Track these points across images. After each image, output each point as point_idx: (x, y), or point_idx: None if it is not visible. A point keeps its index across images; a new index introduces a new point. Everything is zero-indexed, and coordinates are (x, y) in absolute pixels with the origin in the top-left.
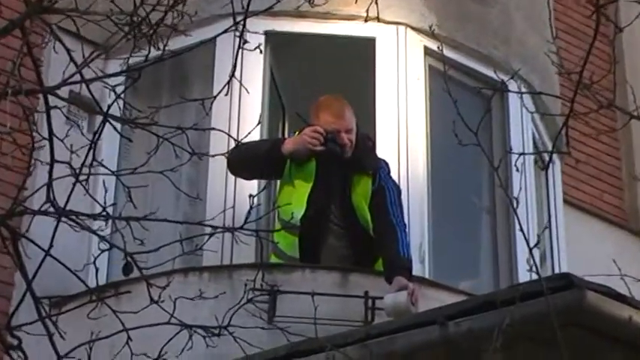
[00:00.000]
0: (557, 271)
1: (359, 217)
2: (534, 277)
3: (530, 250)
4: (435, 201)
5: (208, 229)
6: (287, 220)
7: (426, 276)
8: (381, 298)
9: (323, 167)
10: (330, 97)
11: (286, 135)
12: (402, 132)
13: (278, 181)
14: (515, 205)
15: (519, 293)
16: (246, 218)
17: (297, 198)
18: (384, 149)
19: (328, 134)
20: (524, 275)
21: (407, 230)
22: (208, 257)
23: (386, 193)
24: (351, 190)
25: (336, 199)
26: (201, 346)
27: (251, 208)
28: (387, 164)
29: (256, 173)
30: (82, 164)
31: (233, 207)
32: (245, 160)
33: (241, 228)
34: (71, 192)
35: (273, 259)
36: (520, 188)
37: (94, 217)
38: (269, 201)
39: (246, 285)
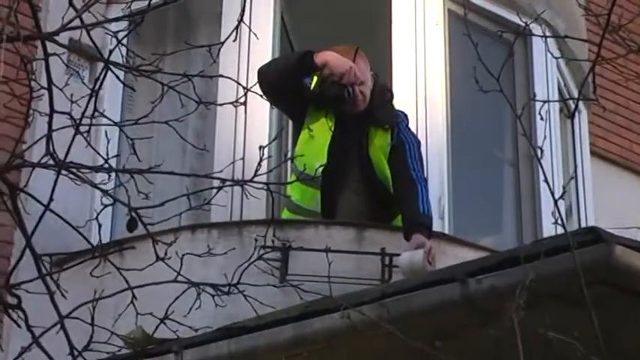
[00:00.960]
0: (583, 225)
1: (377, 172)
2: (559, 231)
3: (556, 202)
4: (454, 153)
5: (216, 183)
6: (307, 173)
7: (446, 232)
8: (398, 255)
9: (340, 119)
10: (346, 47)
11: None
12: (420, 81)
13: (290, 135)
14: (539, 154)
15: (544, 248)
16: (256, 170)
17: (317, 149)
18: (401, 99)
19: (353, 85)
20: (549, 230)
21: (427, 186)
22: (217, 213)
23: (405, 147)
24: (368, 144)
25: (354, 152)
26: (210, 306)
27: (261, 159)
28: (405, 116)
29: (283, 87)
30: (83, 114)
31: (242, 159)
32: (275, 66)
33: (251, 181)
34: (71, 143)
35: (287, 215)
36: (545, 137)
37: (95, 169)
38: (280, 153)
39: (256, 240)
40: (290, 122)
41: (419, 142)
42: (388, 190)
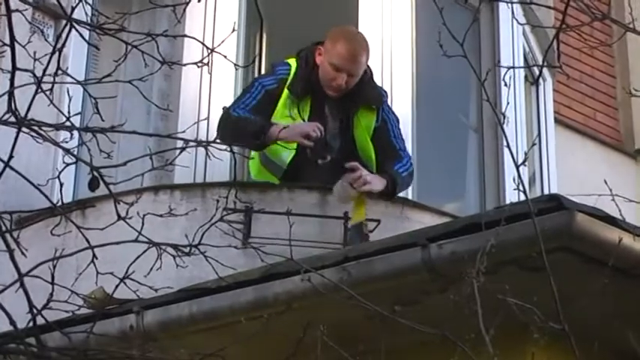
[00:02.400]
0: (546, 193)
1: (360, 152)
2: (522, 198)
3: (518, 167)
4: (419, 119)
5: (180, 144)
6: (274, 160)
7: (409, 197)
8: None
9: (318, 104)
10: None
11: (264, 44)
12: (386, 46)
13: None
14: (502, 121)
15: (505, 215)
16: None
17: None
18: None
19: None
20: (511, 197)
21: (411, 162)
22: (180, 175)
23: (389, 126)
24: (354, 125)
25: (336, 132)
26: (172, 269)
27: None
28: (385, 93)
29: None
30: (44, 70)
31: (207, 119)
32: (231, 135)
33: (214, 142)
34: (32, 100)
35: (258, 171)
36: (508, 103)
37: (57, 127)
38: None
39: (218, 201)
40: None
41: (398, 120)
42: (371, 170)
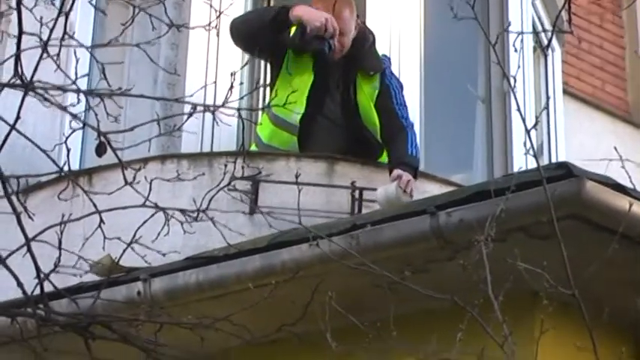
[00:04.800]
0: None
1: (364, 119)
2: (531, 165)
3: (528, 132)
4: (427, 88)
5: (187, 110)
6: (283, 118)
7: (420, 169)
8: (369, 189)
9: (322, 64)
10: None
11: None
12: (395, 14)
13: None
14: (512, 83)
15: (514, 182)
16: (227, 97)
17: (297, 95)
18: (374, 30)
19: (332, 37)
20: (519, 167)
21: (414, 131)
22: (188, 142)
23: (391, 92)
24: (356, 90)
25: (337, 98)
26: (179, 236)
27: (232, 86)
28: (388, 59)
29: (256, 42)
30: (50, 33)
31: (215, 82)
32: (249, 23)
33: (222, 106)
34: (38, 63)
35: (271, 133)
36: (518, 67)
37: (63, 89)
38: (252, 79)
39: (225, 166)
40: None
41: (402, 87)
42: (375, 137)
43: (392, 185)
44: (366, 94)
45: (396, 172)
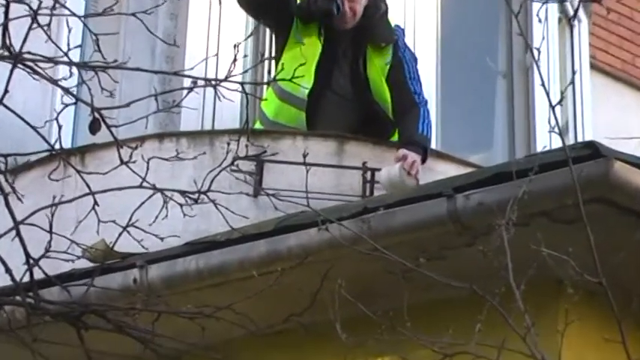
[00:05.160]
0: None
1: (375, 95)
2: (556, 144)
3: (553, 107)
4: (444, 63)
5: (187, 85)
6: (290, 92)
7: (433, 147)
8: (380, 169)
9: (331, 35)
10: None
11: None
12: None
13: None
14: (536, 56)
15: (538, 162)
16: (230, 70)
17: (304, 67)
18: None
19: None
20: (543, 146)
21: (428, 108)
22: (187, 119)
23: (404, 66)
24: (367, 63)
25: (346, 72)
26: (178, 220)
27: (235, 58)
28: (402, 31)
29: (264, 8)
30: (41, 1)
31: (216, 55)
32: None
33: (224, 80)
34: (27, 33)
35: (277, 109)
36: (542, 38)
37: (54, 61)
38: (257, 52)
39: (228, 144)
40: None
41: (416, 60)
42: (386, 114)
43: (395, 167)
44: (377, 67)
45: (401, 151)
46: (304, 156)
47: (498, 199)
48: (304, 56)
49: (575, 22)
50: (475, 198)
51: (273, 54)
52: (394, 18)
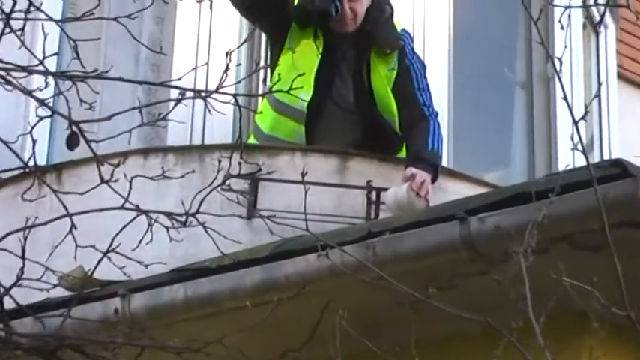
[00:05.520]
0: (607, 158)
1: (380, 107)
2: (579, 163)
3: (576, 123)
4: (457, 72)
5: (174, 95)
6: (287, 104)
7: (445, 165)
8: (387, 189)
9: (331, 41)
10: None
11: None
12: None
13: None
14: (557, 67)
15: (559, 183)
16: (222, 80)
17: (302, 77)
18: (395, 4)
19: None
20: (566, 164)
21: (438, 121)
22: (175, 133)
23: (412, 75)
24: (371, 73)
25: (349, 81)
26: (164, 244)
27: (227, 67)
28: (409, 36)
29: (259, 6)
30: (14, 4)
31: (207, 64)
32: None
33: (215, 92)
34: None
35: (274, 122)
36: (565, 47)
37: (29, 70)
38: (252, 60)
39: (219, 162)
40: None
41: (425, 68)
42: (393, 128)
43: (403, 187)
44: (382, 76)
45: (409, 170)
46: (303, 174)
47: (516, 223)
48: (302, 64)
49: (601, 29)
50: (491, 221)
51: (269, 62)
52: (401, 22)
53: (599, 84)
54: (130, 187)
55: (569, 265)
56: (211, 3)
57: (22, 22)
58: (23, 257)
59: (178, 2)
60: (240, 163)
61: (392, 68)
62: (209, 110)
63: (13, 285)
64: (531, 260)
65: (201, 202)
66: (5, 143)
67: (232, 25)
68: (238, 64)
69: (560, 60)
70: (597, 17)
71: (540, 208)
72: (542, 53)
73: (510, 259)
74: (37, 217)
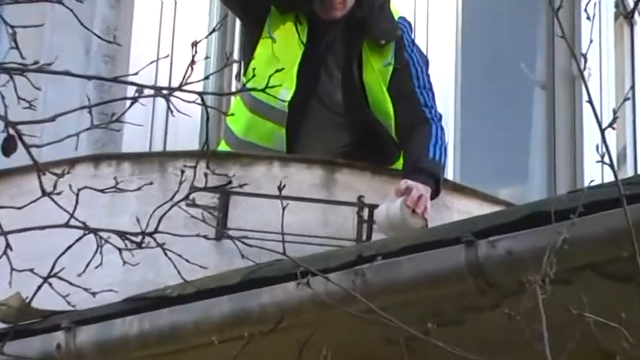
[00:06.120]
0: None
1: (373, 106)
2: (607, 178)
3: (603, 131)
4: (465, 69)
5: (131, 93)
6: (269, 104)
7: (449, 178)
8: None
9: (316, 29)
10: None
11: None
12: None
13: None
14: (582, 65)
15: (583, 201)
16: (187, 75)
17: (283, 72)
18: None
19: None
20: (591, 179)
21: (442, 125)
22: (131, 138)
23: (412, 71)
24: (363, 67)
25: (337, 76)
26: (116, 268)
27: (194, 60)
28: (409, 25)
29: None
30: None
31: (170, 55)
32: None
33: (179, 89)
34: None
35: (249, 123)
36: (591, 41)
37: None
38: (222, 52)
39: (182, 172)
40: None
41: (427, 63)
42: (388, 132)
43: (396, 203)
44: (376, 71)
45: (405, 183)
46: (280, 188)
47: (532, 248)
48: (283, 56)
49: (636, 18)
50: (502, 245)
51: (243, 54)
52: (399, 8)
53: (633, 84)
54: (77, 201)
55: (594, 299)
56: None
57: None
58: None
59: None
60: (207, 174)
61: (388, 63)
62: (172, 111)
63: None
64: (549, 292)
65: (161, 218)
66: None
67: (200, 11)
68: (207, 57)
69: (584, 56)
70: (631, 5)
71: (561, 231)
72: (565, 48)
73: (525, 291)
74: None
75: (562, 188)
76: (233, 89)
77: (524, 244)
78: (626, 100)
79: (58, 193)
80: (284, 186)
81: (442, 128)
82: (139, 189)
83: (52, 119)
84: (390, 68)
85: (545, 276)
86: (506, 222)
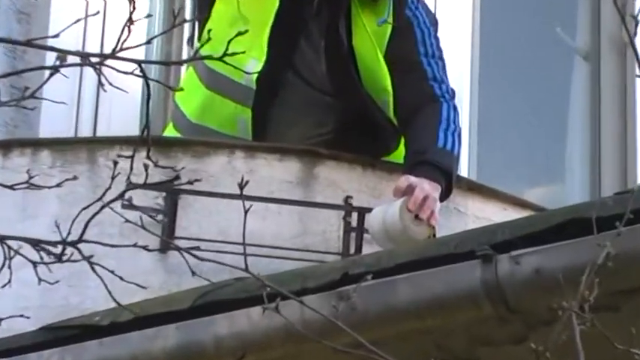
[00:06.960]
0: None
1: (364, 78)
2: None
3: None
4: (485, 33)
5: (51, 59)
6: (231, 78)
7: (465, 175)
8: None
9: None
10: None
11: None
12: None
13: None
14: (633, 30)
15: (633, 205)
16: (122, 40)
17: (250, 36)
18: None
19: None
20: None
21: (454, 103)
22: (50, 119)
23: (416, 33)
24: (352, 29)
25: (319, 41)
26: (31, 289)
27: (132, 19)
28: None
29: None
30: None
31: (101, 12)
32: None
33: (112, 56)
34: None
35: (205, 102)
36: None
37: None
38: (168, 10)
39: (116, 163)
40: None
41: (436, 24)
42: (385, 113)
43: (395, 205)
44: (369, 34)
45: (406, 179)
46: (241, 186)
47: (567, 265)
48: (250, 15)
49: None
50: (529, 262)
51: (197, 13)
52: None
53: None
54: None
55: None
56: None
57: None
58: None
59: None
60: (148, 166)
61: (383, 21)
62: (103, 85)
63: None
64: (589, 321)
65: (87, 223)
66: None
67: None
68: (149, 15)
69: (636, 19)
70: None
71: (604, 244)
72: (613, 11)
73: (557, 320)
74: None
75: (608, 189)
76: (184, 57)
77: (557, 260)
78: None
79: None
80: (247, 182)
81: (455, 108)
82: (59, 185)
83: None
84: (388, 29)
85: (583, 301)
86: (534, 232)
